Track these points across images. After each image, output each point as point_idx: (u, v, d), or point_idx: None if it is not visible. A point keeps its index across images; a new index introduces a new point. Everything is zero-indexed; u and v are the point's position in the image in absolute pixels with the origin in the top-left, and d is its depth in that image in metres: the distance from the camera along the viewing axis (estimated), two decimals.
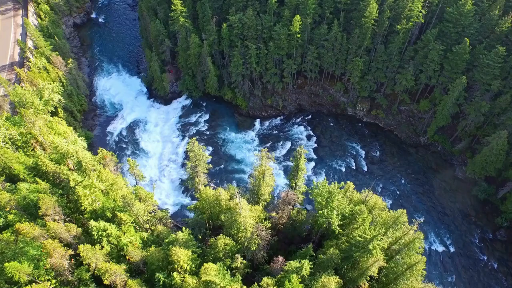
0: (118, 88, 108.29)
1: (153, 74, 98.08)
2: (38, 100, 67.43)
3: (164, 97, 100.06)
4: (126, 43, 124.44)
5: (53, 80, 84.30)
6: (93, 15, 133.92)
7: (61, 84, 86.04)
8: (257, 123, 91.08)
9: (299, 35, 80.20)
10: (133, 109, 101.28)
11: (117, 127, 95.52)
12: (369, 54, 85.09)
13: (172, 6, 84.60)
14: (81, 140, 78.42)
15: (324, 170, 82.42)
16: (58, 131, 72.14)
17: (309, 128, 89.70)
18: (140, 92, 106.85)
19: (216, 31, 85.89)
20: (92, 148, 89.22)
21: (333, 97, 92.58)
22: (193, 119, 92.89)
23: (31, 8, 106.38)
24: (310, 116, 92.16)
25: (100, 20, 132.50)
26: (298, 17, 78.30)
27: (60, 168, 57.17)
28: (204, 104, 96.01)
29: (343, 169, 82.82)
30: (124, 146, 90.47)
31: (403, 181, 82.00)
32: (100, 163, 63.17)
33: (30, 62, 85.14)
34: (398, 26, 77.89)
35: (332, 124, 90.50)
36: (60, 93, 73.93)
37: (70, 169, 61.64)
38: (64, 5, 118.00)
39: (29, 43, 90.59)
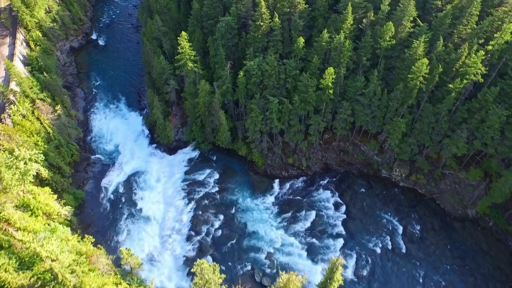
0: (116, 127, 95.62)
1: (155, 119, 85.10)
2: (10, 175, 54.80)
3: (168, 145, 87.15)
4: (128, 70, 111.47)
5: (37, 131, 71.75)
6: (93, 36, 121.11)
7: (46, 136, 73.51)
8: (276, 184, 77.85)
9: (331, 91, 66.81)
10: (133, 156, 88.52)
11: (113, 180, 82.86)
12: (412, 112, 71.40)
13: (179, 49, 71.38)
14: (67, 210, 66.21)
15: (355, 251, 69.18)
16: (37, 205, 59.74)
17: (337, 193, 76.34)
18: (141, 134, 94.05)
19: (230, 77, 72.65)
20: (82, 209, 76.92)
21: (365, 155, 79.08)
22: (201, 177, 79.81)
23: (20, 36, 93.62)
24: (337, 178, 78.76)
25: (101, 42, 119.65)
26: (331, 70, 64.84)
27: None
28: (214, 158, 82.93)
29: (378, 250, 69.51)
30: (120, 206, 77.80)
31: (448, 267, 68.61)
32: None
33: (11, 108, 72.57)
34: (450, 86, 64.08)
35: (363, 190, 77.03)
36: (40, 161, 61.23)
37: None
38: (59, 29, 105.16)
39: (13, 84, 77.91)
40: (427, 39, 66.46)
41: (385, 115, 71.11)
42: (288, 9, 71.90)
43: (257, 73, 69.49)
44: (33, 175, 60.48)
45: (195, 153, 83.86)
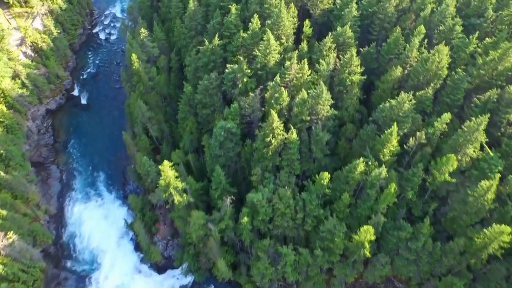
0: (96, 223, 79.38)
1: (139, 238, 68.55)
2: None
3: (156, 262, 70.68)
4: (113, 136, 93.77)
5: None
6: (75, 92, 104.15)
7: None
8: None
9: (367, 251, 49.36)
10: (113, 268, 72.46)
11: None
12: (473, 269, 53.44)
13: (161, 180, 53.66)
14: None
15: None
16: None
17: None
18: (125, 235, 77.50)
19: (231, 209, 55.40)
20: None
21: None
22: None
23: None
24: None
25: (83, 100, 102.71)
26: (370, 229, 47.40)
27: None
28: None
29: None
30: None
31: None
32: None
33: None
34: None
35: None
36: None
37: None
38: (31, 95, 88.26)
39: None
40: (498, 170, 48.59)
41: (431, 270, 53.68)
42: (309, 117, 54.17)
43: (266, 210, 52.22)
44: None
45: (187, 280, 67.29)
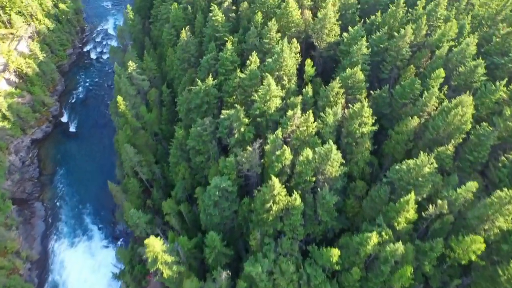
0: (82, 269, 73.49)
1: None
2: None
3: None
4: (103, 168, 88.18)
5: None
6: (63, 118, 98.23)
7: None
8: None
9: None
10: None
11: None
12: None
13: (148, 254, 47.24)
14: None
15: None
16: None
17: None
18: (113, 283, 71.58)
19: (227, 285, 49.20)
20: None
21: None
22: None
23: None
24: None
25: (71, 127, 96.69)
26: None
27: None
28: None
29: None
30: None
31: None
32: None
33: None
34: None
35: None
36: None
37: None
38: (12, 128, 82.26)
39: None
40: None
41: None
42: (314, 178, 47.88)
43: (266, 285, 46.03)
44: None
45: None
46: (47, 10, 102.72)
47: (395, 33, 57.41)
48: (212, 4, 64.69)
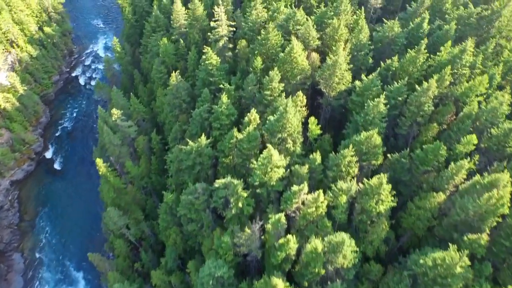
0: None
1: None
2: None
3: None
4: (91, 213, 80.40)
5: None
6: (48, 154, 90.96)
7: None
8: None
9: None
10: None
11: None
12: None
13: None
14: None
15: None
16: None
17: None
18: None
19: None
20: None
21: None
22: None
23: None
24: None
25: (56, 165, 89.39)
26: None
27: None
28: None
29: None
30: None
31: None
32: None
33: None
34: None
35: None
36: None
37: None
38: None
39: None
40: None
41: None
42: (324, 270, 40.54)
43: None
44: None
45: None
46: (30, 35, 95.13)
47: (417, 86, 49.74)
48: (205, 47, 57.06)
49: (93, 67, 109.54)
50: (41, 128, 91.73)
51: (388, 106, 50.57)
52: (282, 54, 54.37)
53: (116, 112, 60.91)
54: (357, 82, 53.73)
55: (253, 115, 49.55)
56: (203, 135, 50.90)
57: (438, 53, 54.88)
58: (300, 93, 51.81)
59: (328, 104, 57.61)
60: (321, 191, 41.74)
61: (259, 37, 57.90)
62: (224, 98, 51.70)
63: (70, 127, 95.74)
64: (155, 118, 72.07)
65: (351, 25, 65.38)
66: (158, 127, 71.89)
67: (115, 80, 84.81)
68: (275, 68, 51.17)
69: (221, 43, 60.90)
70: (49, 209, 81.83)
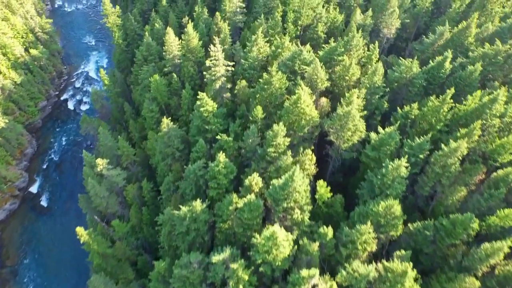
0: None
1: None
2: None
3: None
4: (79, 257, 74.17)
5: None
6: (34, 188, 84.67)
7: None
8: None
9: None
10: None
11: None
12: None
13: None
14: None
15: None
16: None
17: None
18: None
19: None
20: None
21: None
22: None
23: None
24: None
25: (43, 201, 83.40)
26: None
27: None
28: None
29: None
30: None
31: None
32: None
33: None
34: None
35: None
36: None
37: None
38: None
39: None
40: None
41: None
42: None
43: None
44: None
45: None
46: (15, 59, 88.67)
47: (442, 146, 43.41)
48: (200, 93, 50.66)
49: (84, 89, 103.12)
50: (26, 160, 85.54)
51: (409, 166, 44.35)
52: (287, 103, 47.98)
53: (101, 162, 54.65)
54: (373, 135, 47.41)
55: (254, 179, 43.32)
56: (198, 200, 44.63)
57: (464, 102, 48.56)
58: (308, 151, 45.56)
59: (339, 154, 51.41)
60: (335, 284, 35.57)
61: (260, 80, 51.58)
62: (222, 157, 45.41)
63: (58, 157, 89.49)
64: (147, 159, 65.85)
65: (363, 61, 59.09)
66: (150, 169, 65.76)
67: (105, 112, 78.51)
68: (280, 123, 44.78)
69: (217, 85, 54.51)
70: (33, 253, 75.73)
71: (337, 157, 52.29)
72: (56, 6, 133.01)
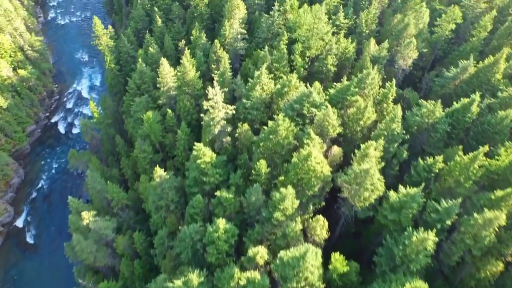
0: None
1: None
2: None
3: None
4: None
5: None
6: (19, 222, 79.08)
7: None
8: None
9: None
10: None
11: None
12: None
13: None
14: None
15: None
16: None
17: None
18: None
19: None
20: None
21: None
22: None
23: None
24: None
25: (29, 237, 77.81)
26: None
27: None
28: None
29: None
30: None
31: None
32: None
33: None
34: None
35: None
36: None
37: None
38: None
39: None
40: None
41: None
42: None
43: None
44: None
45: None
46: (1, 81, 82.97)
47: (475, 215, 37.63)
48: (196, 143, 44.84)
49: (75, 110, 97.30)
50: (12, 191, 79.92)
51: (435, 233, 38.64)
52: (295, 158, 42.23)
53: (87, 216, 49.02)
54: (392, 195, 41.68)
55: (259, 252, 37.67)
56: (195, 272, 38.95)
57: (496, 157, 42.79)
58: (320, 217, 39.90)
59: (353, 213, 45.73)
60: None
61: (265, 128, 45.80)
62: (221, 223, 39.73)
63: (47, 187, 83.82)
64: (140, 201, 60.17)
65: (378, 98, 53.29)
66: (144, 212, 60.10)
67: (95, 143, 72.81)
68: (289, 187, 39.05)
69: (217, 129, 48.74)
70: None
71: (350, 214, 46.63)
72: (49, 18, 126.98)
